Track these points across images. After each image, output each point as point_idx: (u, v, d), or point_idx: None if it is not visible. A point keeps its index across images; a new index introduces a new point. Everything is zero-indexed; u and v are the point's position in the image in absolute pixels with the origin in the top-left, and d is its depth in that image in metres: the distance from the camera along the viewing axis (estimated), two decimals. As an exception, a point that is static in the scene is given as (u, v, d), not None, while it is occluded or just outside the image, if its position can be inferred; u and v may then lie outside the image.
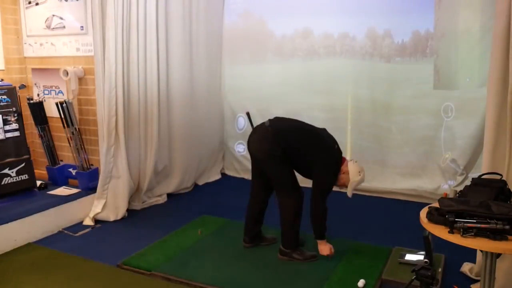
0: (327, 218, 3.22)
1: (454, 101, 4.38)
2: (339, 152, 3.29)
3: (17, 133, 4.10)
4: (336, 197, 4.76)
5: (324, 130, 3.36)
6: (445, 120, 4.45)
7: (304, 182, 3.31)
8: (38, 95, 4.58)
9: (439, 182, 4.50)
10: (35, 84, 4.60)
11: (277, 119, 3.34)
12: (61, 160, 4.55)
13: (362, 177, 3.23)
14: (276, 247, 3.38)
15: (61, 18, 4.35)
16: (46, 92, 4.53)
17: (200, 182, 5.30)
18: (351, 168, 3.21)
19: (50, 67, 4.45)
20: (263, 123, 3.28)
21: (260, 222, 3.52)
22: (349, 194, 3.26)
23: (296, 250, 3.26)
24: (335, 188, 3.29)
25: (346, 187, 3.23)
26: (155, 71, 4.40)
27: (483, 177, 2.40)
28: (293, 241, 3.27)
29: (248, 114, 3.83)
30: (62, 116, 4.23)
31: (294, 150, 3.18)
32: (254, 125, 3.41)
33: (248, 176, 5.50)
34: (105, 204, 4.11)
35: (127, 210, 4.22)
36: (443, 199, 2.14)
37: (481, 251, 2.11)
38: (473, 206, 2.03)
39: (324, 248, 3.24)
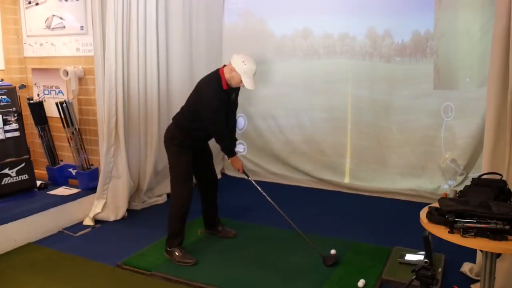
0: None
1: (454, 101, 4.38)
2: (212, 74, 3.24)
3: (17, 133, 4.10)
4: (336, 197, 4.79)
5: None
6: (445, 120, 4.45)
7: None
8: (38, 95, 4.58)
9: (439, 182, 4.50)
10: (35, 84, 4.60)
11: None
12: (61, 160, 4.55)
13: (248, 65, 3.12)
14: (277, 246, 3.37)
15: (61, 18, 4.35)
16: (46, 92, 4.54)
17: (200, 182, 5.30)
18: (234, 64, 3.12)
19: (50, 67, 4.45)
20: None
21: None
22: (249, 86, 3.15)
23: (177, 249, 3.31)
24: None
25: (243, 83, 3.14)
26: (155, 71, 4.40)
27: (483, 177, 2.40)
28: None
29: None
30: (62, 116, 4.23)
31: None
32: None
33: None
34: (105, 204, 4.11)
35: (127, 210, 4.22)
36: (443, 199, 2.14)
37: (481, 251, 2.11)
38: (473, 206, 2.03)
39: (237, 162, 3.39)
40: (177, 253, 3.26)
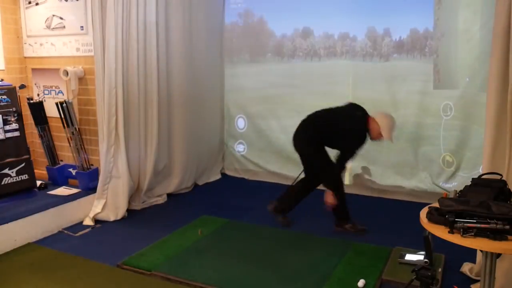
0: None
1: (454, 100, 4.38)
2: (361, 117, 3.66)
3: (17, 133, 4.10)
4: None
5: (348, 105, 3.84)
6: (444, 119, 4.45)
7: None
8: (38, 95, 4.58)
9: (439, 182, 4.50)
10: (35, 84, 4.60)
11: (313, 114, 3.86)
12: (61, 160, 4.55)
13: (389, 119, 3.60)
14: (277, 246, 3.38)
15: (61, 18, 4.35)
16: (46, 92, 4.54)
17: (200, 182, 5.30)
18: (377, 118, 3.57)
19: (50, 67, 4.45)
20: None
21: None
22: (389, 138, 3.58)
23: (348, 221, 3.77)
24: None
25: (381, 136, 3.57)
26: (155, 71, 4.40)
27: (483, 177, 2.40)
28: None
29: None
30: (62, 116, 4.23)
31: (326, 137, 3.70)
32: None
33: (248, 176, 5.52)
34: (105, 204, 4.11)
35: (127, 210, 4.22)
36: (443, 199, 2.13)
37: (481, 251, 2.11)
38: (473, 206, 2.03)
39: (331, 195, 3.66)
40: (348, 227, 3.74)
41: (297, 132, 3.81)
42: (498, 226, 1.91)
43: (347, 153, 3.64)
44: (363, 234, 3.70)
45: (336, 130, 3.66)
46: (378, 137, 3.62)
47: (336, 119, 3.71)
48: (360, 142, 3.61)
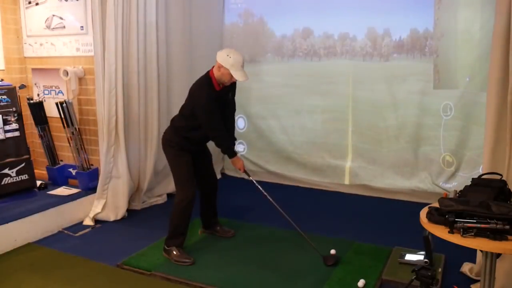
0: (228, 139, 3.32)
1: (454, 100, 4.37)
2: (203, 77, 3.20)
3: (17, 133, 4.10)
4: (336, 197, 4.79)
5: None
6: (444, 119, 4.45)
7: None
8: (38, 95, 4.58)
9: (439, 182, 4.50)
10: (35, 84, 4.60)
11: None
12: (61, 160, 4.55)
13: (234, 57, 3.04)
14: (277, 246, 3.37)
15: (61, 18, 4.35)
16: (46, 92, 4.54)
17: (200, 182, 5.30)
18: (219, 60, 3.07)
19: (50, 67, 4.45)
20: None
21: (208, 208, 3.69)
22: (240, 78, 3.07)
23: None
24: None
25: (233, 78, 3.09)
26: (155, 71, 4.40)
27: (483, 177, 2.40)
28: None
29: None
30: (62, 116, 4.23)
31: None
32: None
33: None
34: (105, 204, 4.11)
35: (127, 210, 4.22)
36: (443, 199, 2.14)
37: (481, 251, 2.11)
38: (473, 206, 2.03)
39: (238, 162, 3.34)
40: (175, 252, 3.26)
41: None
42: (498, 226, 1.91)
43: (206, 129, 3.18)
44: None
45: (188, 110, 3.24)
46: (229, 81, 3.13)
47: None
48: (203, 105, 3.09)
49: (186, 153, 3.31)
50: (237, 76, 3.07)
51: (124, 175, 4.15)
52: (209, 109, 3.11)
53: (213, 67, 3.19)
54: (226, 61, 3.05)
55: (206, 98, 3.10)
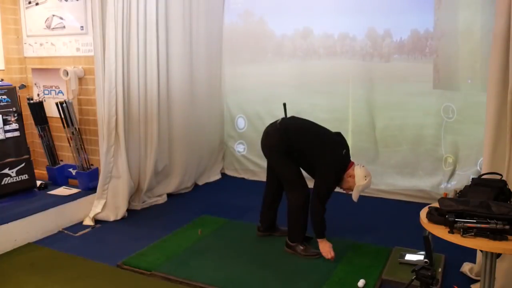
0: (324, 218, 3.26)
1: (454, 101, 4.37)
2: (346, 157, 3.30)
3: (17, 133, 4.10)
4: (336, 197, 4.78)
5: (337, 134, 3.40)
6: (445, 120, 4.45)
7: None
8: (38, 95, 4.58)
9: (439, 182, 4.50)
10: (35, 84, 4.60)
11: (289, 118, 3.44)
12: (61, 160, 4.55)
13: (368, 182, 3.24)
14: (277, 246, 3.38)
15: (61, 18, 4.35)
16: (46, 92, 4.54)
17: (200, 182, 5.30)
18: (357, 173, 3.22)
19: (50, 67, 4.45)
20: (276, 121, 3.37)
21: (273, 211, 3.60)
22: (355, 199, 3.26)
23: (300, 244, 3.32)
24: (338, 190, 3.30)
25: (352, 190, 3.25)
26: (155, 71, 4.40)
27: (483, 177, 2.40)
28: (297, 235, 3.32)
29: (284, 104, 3.60)
30: (62, 116, 4.23)
31: (298, 150, 3.25)
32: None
33: (248, 176, 5.52)
34: (105, 204, 4.11)
35: (127, 210, 4.21)
36: (443, 199, 2.14)
37: (481, 251, 2.11)
38: (473, 206, 2.03)
39: (324, 246, 3.26)
40: (301, 247, 3.30)
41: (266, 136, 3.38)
42: (498, 226, 1.91)
43: (320, 189, 3.21)
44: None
45: (313, 155, 3.25)
46: (346, 190, 3.31)
47: (313, 145, 3.26)
48: (330, 183, 3.23)
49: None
50: (355, 196, 3.24)
51: (124, 175, 4.15)
52: (335, 179, 3.23)
53: (354, 164, 3.28)
54: (360, 180, 3.20)
55: (336, 171, 3.22)
